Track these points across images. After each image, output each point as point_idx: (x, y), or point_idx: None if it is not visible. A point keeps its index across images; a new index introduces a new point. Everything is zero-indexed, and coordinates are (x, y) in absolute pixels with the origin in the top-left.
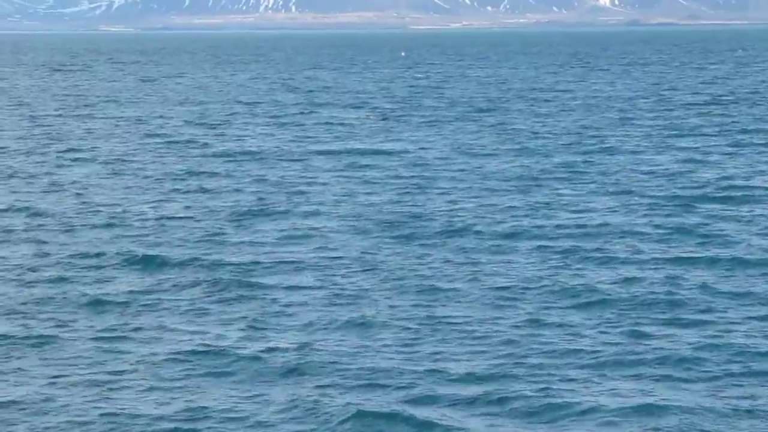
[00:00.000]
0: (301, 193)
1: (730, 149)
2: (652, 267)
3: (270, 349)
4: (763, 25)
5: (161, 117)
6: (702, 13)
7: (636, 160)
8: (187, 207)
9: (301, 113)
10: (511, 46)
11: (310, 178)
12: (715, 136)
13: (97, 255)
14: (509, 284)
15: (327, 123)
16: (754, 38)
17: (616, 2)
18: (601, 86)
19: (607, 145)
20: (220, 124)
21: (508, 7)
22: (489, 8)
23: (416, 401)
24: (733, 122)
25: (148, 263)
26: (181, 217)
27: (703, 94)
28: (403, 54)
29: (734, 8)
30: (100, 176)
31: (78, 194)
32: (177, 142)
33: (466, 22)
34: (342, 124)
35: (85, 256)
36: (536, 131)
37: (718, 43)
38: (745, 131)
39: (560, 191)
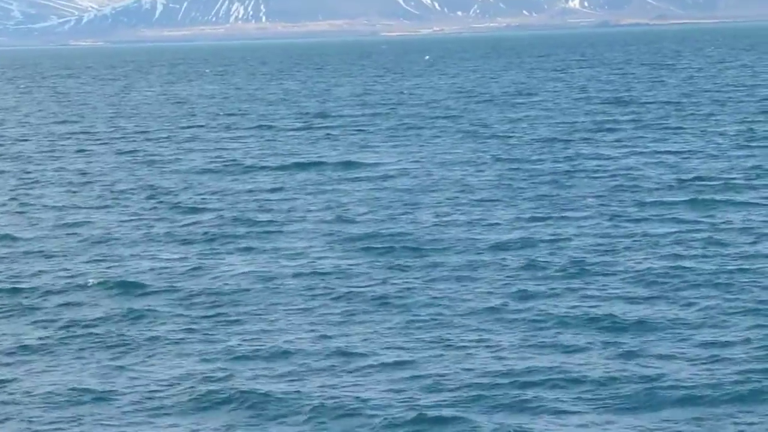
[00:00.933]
0: (276, 210)
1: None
2: (648, 279)
3: (256, 377)
4: (732, 23)
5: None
6: (671, 13)
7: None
8: (164, 229)
9: (265, 125)
10: (477, 51)
11: (284, 193)
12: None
13: (71, 278)
14: (499, 303)
15: (292, 132)
16: (723, 36)
17: (586, 4)
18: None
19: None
20: (188, 139)
21: (478, 11)
22: (459, 13)
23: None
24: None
25: (125, 289)
26: (158, 240)
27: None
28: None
29: (703, 8)
30: (61, 195)
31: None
32: (140, 158)
33: (437, 27)
34: (309, 136)
35: (60, 279)
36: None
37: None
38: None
39: (547, 198)
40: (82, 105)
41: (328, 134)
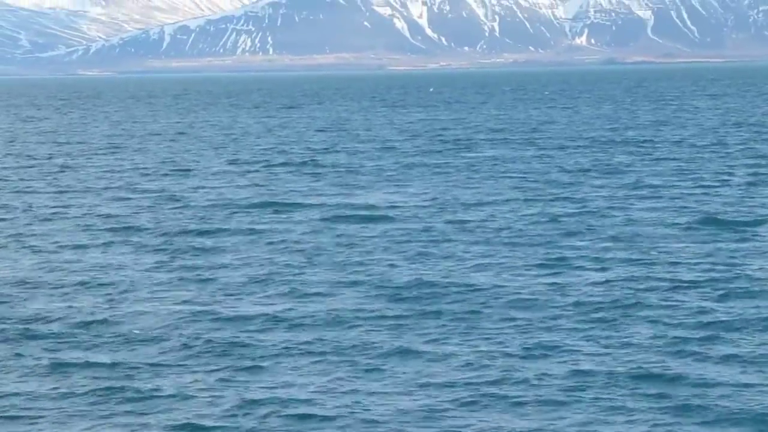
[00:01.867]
0: (282, 252)
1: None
2: (681, 331)
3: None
4: (740, 63)
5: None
6: (678, 52)
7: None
8: (169, 272)
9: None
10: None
11: (285, 236)
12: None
13: (59, 318)
14: (517, 352)
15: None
16: (729, 75)
17: (593, 41)
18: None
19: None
20: (181, 171)
21: (485, 47)
22: (466, 48)
23: None
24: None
25: (120, 321)
26: (162, 283)
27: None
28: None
29: (710, 46)
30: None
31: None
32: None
33: (444, 62)
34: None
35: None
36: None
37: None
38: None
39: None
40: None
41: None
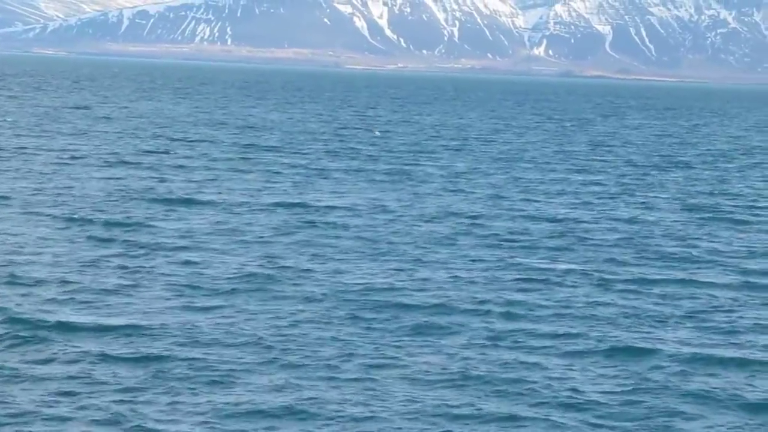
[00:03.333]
0: (259, 270)
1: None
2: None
3: None
4: (695, 83)
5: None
6: (634, 68)
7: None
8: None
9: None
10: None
11: (265, 246)
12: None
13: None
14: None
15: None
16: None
17: (551, 52)
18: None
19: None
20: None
21: (443, 51)
22: (424, 52)
23: None
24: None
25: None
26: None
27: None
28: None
29: (666, 65)
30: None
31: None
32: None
33: (401, 64)
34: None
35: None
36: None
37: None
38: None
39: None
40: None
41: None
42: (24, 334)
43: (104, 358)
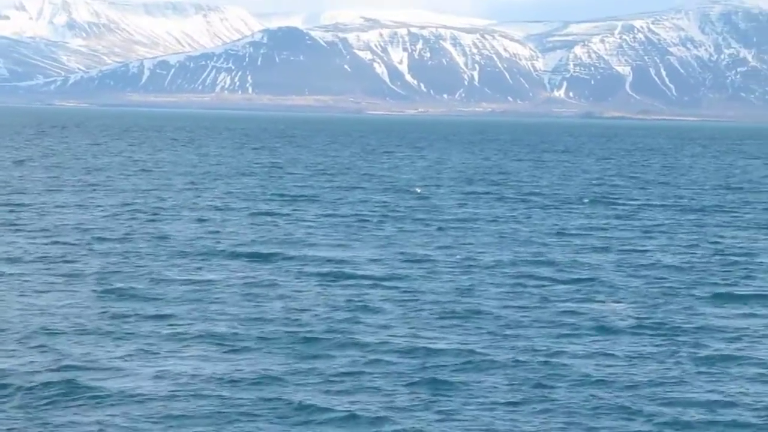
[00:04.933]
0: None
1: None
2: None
3: None
4: (715, 122)
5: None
6: (655, 108)
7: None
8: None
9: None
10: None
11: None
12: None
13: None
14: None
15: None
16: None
17: (571, 94)
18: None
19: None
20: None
21: (463, 95)
22: (445, 96)
23: None
24: None
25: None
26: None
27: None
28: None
29: (687, 105)
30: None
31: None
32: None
33: (422, 108)
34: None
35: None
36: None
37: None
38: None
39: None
40: None
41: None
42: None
43: None
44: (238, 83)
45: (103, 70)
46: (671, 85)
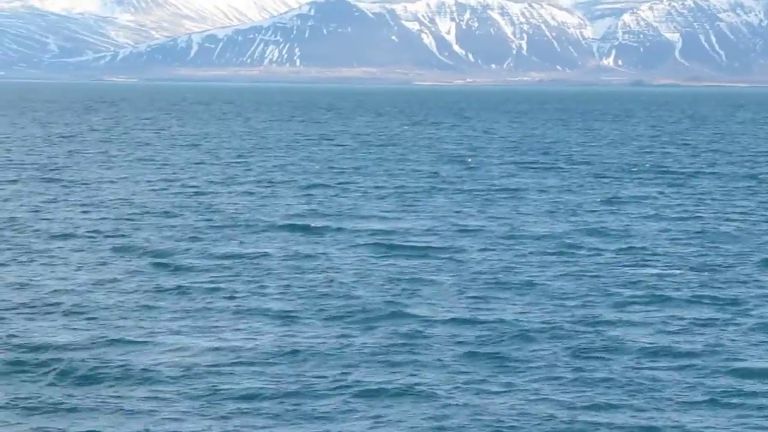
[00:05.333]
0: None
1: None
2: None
3: None
4: (766, 88)
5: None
6: (705, 75)
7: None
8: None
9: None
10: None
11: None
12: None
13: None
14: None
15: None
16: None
17: (620, 62)
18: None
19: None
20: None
21: (511, 65)
22: (493, 66)
23: None
24: None
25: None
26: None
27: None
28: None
29: (737, 71)
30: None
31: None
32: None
33: (470, 79)
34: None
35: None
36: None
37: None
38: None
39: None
40: None
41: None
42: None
43: None
44: (286, 56)
45: (152, 45)
46: (721, 52)
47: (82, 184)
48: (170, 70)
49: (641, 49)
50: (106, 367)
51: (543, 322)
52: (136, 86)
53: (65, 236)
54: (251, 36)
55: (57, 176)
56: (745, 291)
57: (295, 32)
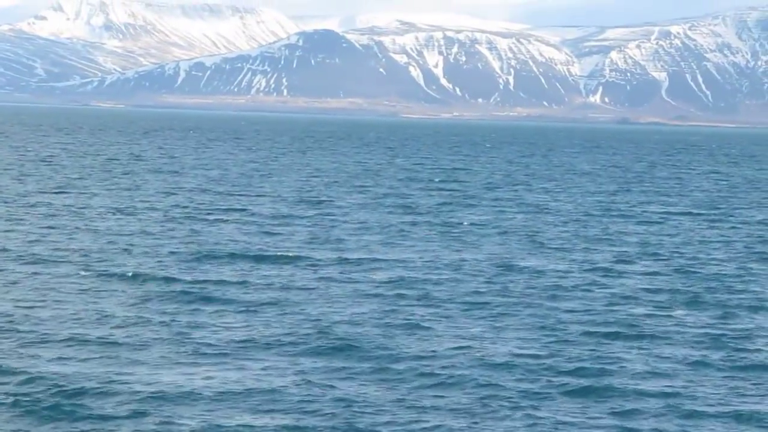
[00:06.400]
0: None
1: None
2: None
3: None
4: (752, 129)
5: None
6: (690, 115)
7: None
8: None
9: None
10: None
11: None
12: None
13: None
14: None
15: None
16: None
17: (606, 99)
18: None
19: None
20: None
21: (498, 99)
22: (480, 100)
23: None
24: None
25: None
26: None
27: None
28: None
29: (723, 111)
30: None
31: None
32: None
33: (457, 113)
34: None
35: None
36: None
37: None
38: None
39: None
40: None
41: None
42: None
43: None
44: (273, 85)
45: (139, 71)
46: (707, 92)
47: (73, 209)
48: (157, 97)
49: (628, 87)
50: (107, 396)
51: (543, 357)
52: (122, 111)
53: (54, 262)
54: (239, 65)
55: (47, 200)
56: (735, 326)
57: (282, 62)
